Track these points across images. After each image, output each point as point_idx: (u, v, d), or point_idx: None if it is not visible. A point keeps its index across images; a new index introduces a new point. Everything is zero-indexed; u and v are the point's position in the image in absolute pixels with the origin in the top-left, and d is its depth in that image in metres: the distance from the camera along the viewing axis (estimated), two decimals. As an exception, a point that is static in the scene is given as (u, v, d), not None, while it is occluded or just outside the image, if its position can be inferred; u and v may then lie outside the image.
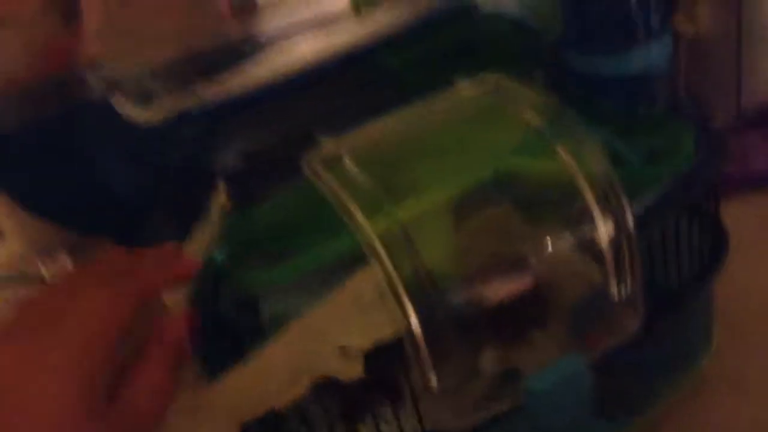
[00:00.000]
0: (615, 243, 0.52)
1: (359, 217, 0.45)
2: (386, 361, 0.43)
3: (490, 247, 0.78)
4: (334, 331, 0.41)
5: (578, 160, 0.53)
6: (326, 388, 0.42)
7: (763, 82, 0.81)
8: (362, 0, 0.68)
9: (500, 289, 0.70)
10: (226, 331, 0.42)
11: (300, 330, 0.41)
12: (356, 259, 0.44)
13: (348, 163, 0.50)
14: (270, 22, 0.64)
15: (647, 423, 0.61)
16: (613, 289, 0.61)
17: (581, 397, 0.55)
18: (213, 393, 0.39)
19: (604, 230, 0.53)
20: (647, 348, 0.57)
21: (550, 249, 0.76)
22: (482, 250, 0.78)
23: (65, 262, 0.56)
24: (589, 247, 0.69)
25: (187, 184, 0.49)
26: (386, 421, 0.54)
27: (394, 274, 0.43)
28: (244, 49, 0.59)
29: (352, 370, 0.41)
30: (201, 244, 0.43)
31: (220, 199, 0.46)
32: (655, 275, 0.57)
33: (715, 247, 0.60)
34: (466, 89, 0.57)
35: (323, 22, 0.66)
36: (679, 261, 0.58)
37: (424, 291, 0.62)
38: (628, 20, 0.53)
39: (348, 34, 0.65)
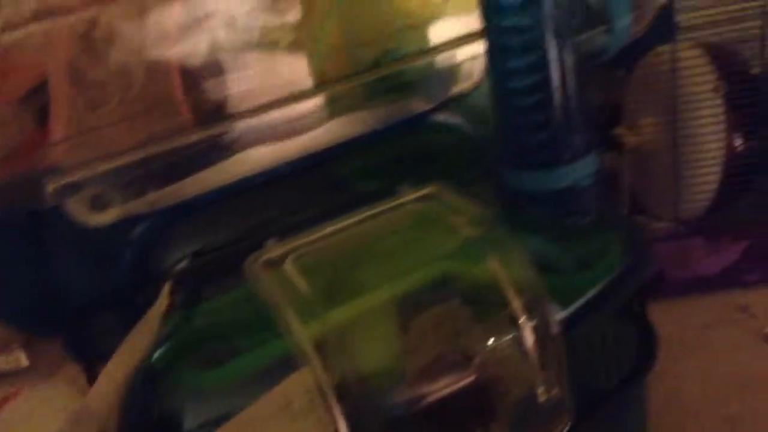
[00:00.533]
0: (540, 347, 0.55)
1: (293, 320, 0.48)
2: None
3: (434, 346, 0.81)
4: (261, 434, 0.43)
5: (506, 269, 0.57)
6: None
7: (701, 191, 0.85)
8: (335, 108, 0.73)
9: (444, 387, 0.72)
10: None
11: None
12: (290, 364, 0.46)
13: (289, 266, 0.53)
14: (234, 127, 0.69)
15: None
16: (541, 393, 0.63)
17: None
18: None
19: (529, 335, 0.56)
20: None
21: (491, 349, 0.78)
22: (427, 348, 0.80)
23: (20, 357, 0.58)
24: (519, 351, 0.72)
25: (135, 286, 0.52)
26: None
27: (325, 379, 0.45)
28: (204, 154, 0.63)
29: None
30: (138, 345, 0.45)
31: (163, 300, 0.49)
32: (586, 377, 0.59)
33: (645, 349, 0.63)
34: (408, 198, 0.60)
35: (288, 128, 0.70)
36: (609, 363, 0.60)
37: (358, 395, 0.64)
38: (555, 144, 0.58)
39: (308, 141, 0.69)
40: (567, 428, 0.57)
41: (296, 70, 0.68)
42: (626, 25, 0.68)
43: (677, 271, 0.88)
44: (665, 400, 0.75)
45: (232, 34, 0.64)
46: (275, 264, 0.52)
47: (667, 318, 0.68)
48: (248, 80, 0.66)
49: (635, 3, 0.69)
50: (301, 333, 0.46)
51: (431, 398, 0.69)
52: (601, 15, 0.67)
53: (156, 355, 0.46)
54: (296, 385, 0.44)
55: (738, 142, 0.87)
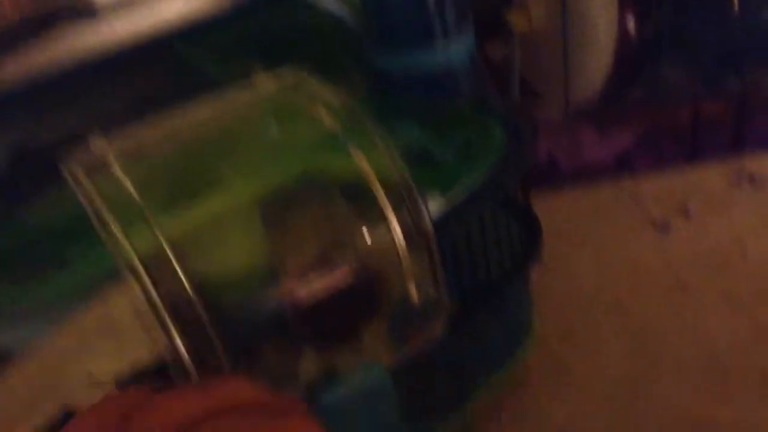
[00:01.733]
0: (410, 244, 0.51)
1: (117, 229, 0.41)
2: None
3: (303, 245, 0.76)
4: (79, 357, 0.37)
5: (371, 161, 0.52)
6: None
7: (590, 79, 0.82)
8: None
9: (322, 288, 0.68)
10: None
11: (39, 357, 0.37)
12: (113, 277, 0.39)
13: (116, 167, 0.46)
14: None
15: (471, 418, 0.60)
16: (412, 291, 0.61)
17: (385, 406, 0.54)
18: None
19: (397, 231, 0.51)
20: (467, 345, 0.56)
21: (367, 248, 0.74)
22: (294, 247, 0.75)
23: None
24: (389, 248, 0.68)
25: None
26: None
27: (153, 292, 0.40)
28: (26, 31, 0.54)
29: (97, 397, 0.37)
30: None
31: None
32: (468, 272, 0.56)
33: (528, 238, 0.60)
34: (264, 84, 0.53)
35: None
36: (491, 256, 0.57)
37: (208, 306, 0.59)
38: (425, 18, 0.51)
39: (148, 20, 0.60)
40: (445, 325, 0.54)
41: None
42: None
43: (568, 159, 0.85)
44: (556, 288, 0.74)
45: None
46: (101, 164, 0.45)
47: (559, 206, 0.65)
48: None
49: None
50: (125, 243, 0.40)
51: (308, 300, 0.64)
52: None
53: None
54: (120, 301, 0.38)
55: (630, 26, 0.83)
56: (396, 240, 0.51)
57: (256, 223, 0.55)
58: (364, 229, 0.59)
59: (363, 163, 0.49)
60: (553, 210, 0.64)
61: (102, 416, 0.32)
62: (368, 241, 0.68)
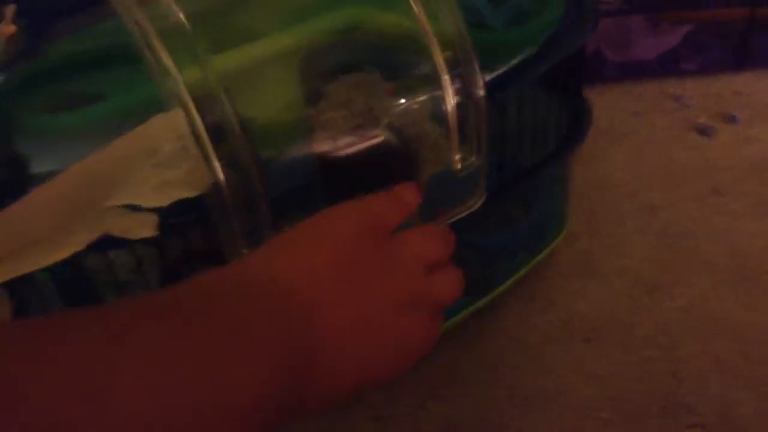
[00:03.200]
0: (461, 111, 0.49)
1: (167, 60, 0.39)
2: (188, 221, 0.39)
3: (339, 103, 0.74)
4: (122, 184, 0.36)
5: (431, 18, 0.49)
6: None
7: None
8: None
9: (355, 154, 0.66)
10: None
11: (80, 177, 0.35)
12: (154, 108, 0.38)
13: (166, 2, 0.43)
14: None
15: (492, 301, 0.60)
16: (457, 161, 0.58)
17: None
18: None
19: (450, 97, 0.49)
20: (500, 226, 0.55)
21: (406, 113, 0.72)
22: (330, 104, 0.73)
23: None
24: (438, 116, 0.66)
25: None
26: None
27: (201, 126, 0.38)
28: None
29: (142, 230, 0.36)
30: None
31: (5, 26, 0.39)
32: (511, 148, 0.54)
33: (575, 125, 0.58)
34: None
35: None
36: (536, 135, 0.55)
37: (247, 145, 0.58)
38: None
39: None
40: (482, 200, 0.52)
41: None
42: None
43: (614, 52, 0.82)
44: (590, 183, 0.72)
45: None
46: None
47: (599, 103, 0.63)
48: None
49: None
50: (175, 71, 0.38)
51: (340, 161, 0.63)
52: None
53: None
54: (164, 129, 0.37)
55: None
56: (447, 106, 0.49)
57: (291, 75, 0.53)
58: (408, 94, 0.56)
59: (423, 18, 0.47)
60: (595, 105, 0.61)
61: (361, 217, 0.39)
62: (410, 107, 0.66)
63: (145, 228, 0.36)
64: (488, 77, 0.47)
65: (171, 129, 0.37)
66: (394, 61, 0.74)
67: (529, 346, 0.60)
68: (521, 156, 0.54)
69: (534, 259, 0.62)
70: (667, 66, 0.83)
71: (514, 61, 0.49)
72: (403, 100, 0.71)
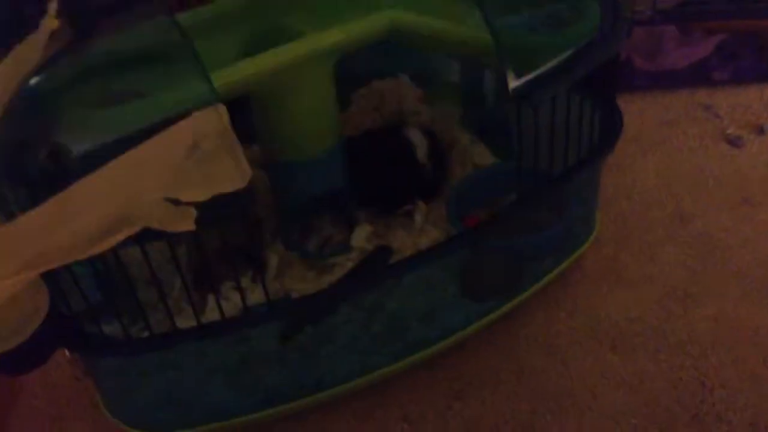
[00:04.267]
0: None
1: (206, 61, 0.40)
2: (225, 216, 0.40)
3: (373, 108, 0.74)
4: (162, 177, 0.37)
5: (465, 23, 0.49)
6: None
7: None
8: None
9: (383, 156, 0.67)
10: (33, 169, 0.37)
11: (121, 171, 0.36)
12: (193, 106, 0.38)
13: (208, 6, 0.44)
14: None
15: (519, 305, 0.60)
16: (485, 160, 0.58)
17: (448, 278, 0.53)
18: (3, 233, 0.34)
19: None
20: (530, 230, 0.55)
21: (436, 119, 0.73)
22: (364, 108, 0.74)
23: None
24: (473, 121, 0.66)
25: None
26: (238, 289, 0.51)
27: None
28: None
29: (180, 223, 0.37)
30: (15, 66, 0.37)
31: (49, 21, 0.40)
32: (543, 150, 0.54)
33: (607, 129, 0.58)
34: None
35: None
36: (568, 139, 0.55)
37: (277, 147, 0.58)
38: None
39: None
40: (511, 201, 0.52)
41: None
42: None
43: (645, 61, 0.82)
44: (619, 191, 0.72)
45: None
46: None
47: (628, 112, 0.62)
48: None
49: None
50: (215, 75, 0.39)
51: (372, 163, 0.63)
52: None
53: (42, 81, 0.38)
54: (204, 126, 0.37)
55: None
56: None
57: (330, 76, 0.53)
58: (439, 97, 0.56)
59: (456, 24, 0.47)
60: (624, 114, 0.61)
61: None
62: (444, 109, 0.66)
63: (183, 221, 0.37)
64: (525, 79, 0.47)
65: (212, 125, 0.38)
66: (426, 67, 0.75)
67: (555, 351, 0.60)
68: (553, 161, 0.55)
69: (561, 264, 0.62)
70: (698, 76, 0.83)
71: (552, 64, 0.49)
72: (434, 107, 0.72)
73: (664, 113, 0.81)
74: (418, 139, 0.64)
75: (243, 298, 0.50)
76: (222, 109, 0.38)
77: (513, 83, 0.46)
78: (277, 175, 0.58)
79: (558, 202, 0.57)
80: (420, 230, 0.63)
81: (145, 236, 0.38)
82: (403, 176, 0.64)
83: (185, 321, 0.51)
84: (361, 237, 0.62)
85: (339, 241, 0.62)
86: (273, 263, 0.60)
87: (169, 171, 0.37)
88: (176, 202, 0.37)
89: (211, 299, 0.56)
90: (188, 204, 0.37)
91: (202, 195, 0.37)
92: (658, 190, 0.72)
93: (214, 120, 0.38)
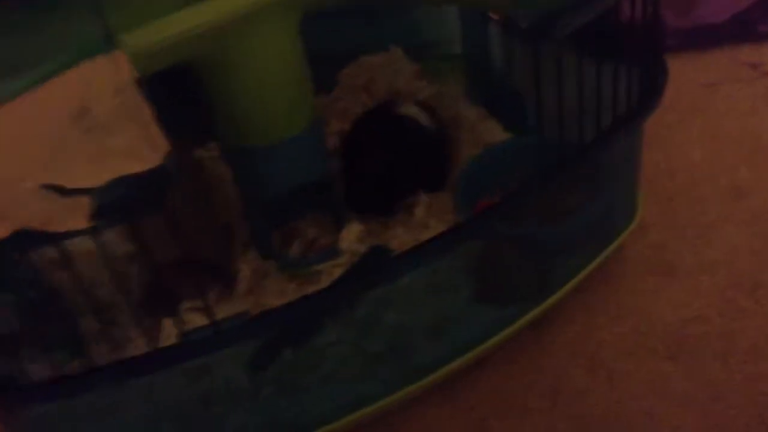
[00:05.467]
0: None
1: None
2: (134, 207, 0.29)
3: (361, 87, 0.64)
4: (38, 156, 0.26)
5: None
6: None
7: None
8: None
9: (376, 142, 0.56)
10: None
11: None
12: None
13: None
14: None
15: (549, 310, 0.49)
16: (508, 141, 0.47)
17: (458, 280, 0.42)
18: None
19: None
20: (558, 217, 0.44)
21: (437, 96, 0.62)
22: (350, 89, 0.63)
23: None
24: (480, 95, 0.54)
25: None
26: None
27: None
28: None
29: (67, 220, 0.26)
30: None
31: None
32: (578, 110, 0.43)
33: (648, 81, 0.47)
34: None
35: None
36: (601, 108, 0.44)
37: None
38: None
39: None
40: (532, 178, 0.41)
41: None
42: None
43: (678, 17, 0.71)
44: (660, 167, 0.61)
45: None
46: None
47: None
48: None
49: None
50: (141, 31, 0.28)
51: (364, 146, 0.53)
52: None
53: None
54: (95, 82, 0.26)
55: None
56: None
57: (294, 36, 0.42)
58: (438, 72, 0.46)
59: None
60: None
61: None
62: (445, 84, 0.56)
63: (72, 216, 0.26)
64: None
65: (106, 80, 0.27)
66: (421, 38, 0.64)
67: (597, 365, 0.49)
68: (582, 133, 0.44)
69: (598, 257, 0.51)
70: (740, 30, 0.72)
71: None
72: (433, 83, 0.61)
73: (704, 75, 0.70)
74: (415, 113, 0.53)
75: (212, 318, 0.39)
76: (122, 58, 0.27)
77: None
78: (239, 164, 0.47)
79: (591, 178, 0.46)
80: (423, 226, 0.52)
81: (29, 240, 0.27)
82: (403, 163, 0.53)
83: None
84: (351, 237, 0.50)
85: (325, 245, 0.51)
86: (245, 275, 0.49)
87: (46, 147, 0.26)
88: (61, 191, 0.27)
89: (167, 324, 0.46)
90: (78, 192, 0.26)
91: (95, 179, 0.26)
92: (706, 162, 0.61)
93: (110, 73, 0.27)
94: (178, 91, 0.42)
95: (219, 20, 0.37)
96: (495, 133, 0.57)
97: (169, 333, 0.45)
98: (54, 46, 0.27)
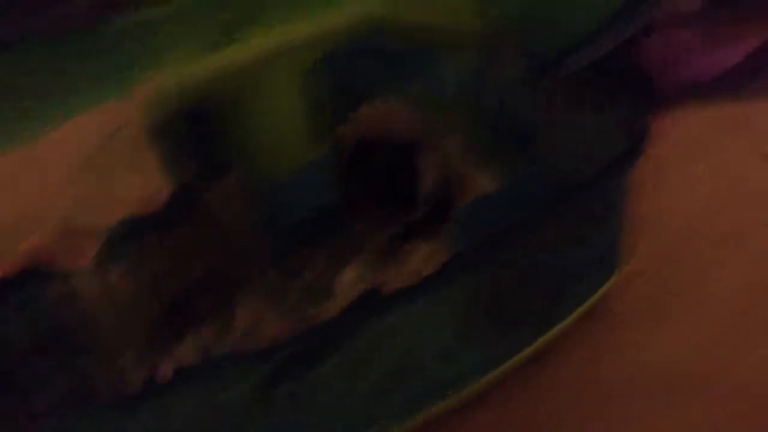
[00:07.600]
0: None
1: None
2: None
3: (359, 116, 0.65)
4: (52, 191, 0.28)
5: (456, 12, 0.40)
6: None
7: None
8: None
9: (375, 182, 0.57)
10: None
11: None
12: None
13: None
14: None
15: (532, 355, 0.50)
16: (493, 180, 0.49)
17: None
18: None
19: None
20: (537, 256, 0.45)
21: (440, 138, 0.63)
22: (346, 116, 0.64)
23: None
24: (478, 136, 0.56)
25: None
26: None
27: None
28: None
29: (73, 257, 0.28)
30: None
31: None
32: (561, 156, 0.45)
33: (633, 135, 0.49)
34: None
35: None
36: (592, 144, 0.46)
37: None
38: None
39: None
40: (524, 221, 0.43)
41: None
42: None
43: (666, 72, 0.73)
44: (650, 216, 0.62)
45: None
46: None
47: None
48: None
49: None
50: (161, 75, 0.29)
51: (357, 192, 0.54)
52: None
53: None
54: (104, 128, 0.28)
55: None
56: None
57: (301, 78, 0.44)
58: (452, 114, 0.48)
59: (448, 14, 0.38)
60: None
61: None
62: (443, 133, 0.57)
63: (80, 254, 0.28)
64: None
65: (116, 123, 0.29)
66: (419, 82, 0.66)
67: (595, 404, 0.49)
68: (573, 162, 0.45)
69: (600, 288, 0.52)
70: (726, 87, 0.74)
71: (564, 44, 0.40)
72: (434, 119, 0.62)
73: (693, 130, 0.72)
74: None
75: (207, 359, 0.40)
76: (134, 103, 0.29)
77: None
78: (252, 200, 0.49)
79: (597, 210, 0.48)
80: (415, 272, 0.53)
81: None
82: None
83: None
84: (348, 280, 0.52)
85: (323, 285, 0.52)
86: (241, 316, 0.50)
87: (55, 186, 0.28)
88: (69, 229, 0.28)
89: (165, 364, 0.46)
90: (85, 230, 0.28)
91: (103, 210, 0.28)
92: (702, 210, 0.63)
93: (120, 117, 0.29)
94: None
95: (244, 65, 0.38)
96: (493, 180, 0.59)
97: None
98: (80, 86, 0.29)
